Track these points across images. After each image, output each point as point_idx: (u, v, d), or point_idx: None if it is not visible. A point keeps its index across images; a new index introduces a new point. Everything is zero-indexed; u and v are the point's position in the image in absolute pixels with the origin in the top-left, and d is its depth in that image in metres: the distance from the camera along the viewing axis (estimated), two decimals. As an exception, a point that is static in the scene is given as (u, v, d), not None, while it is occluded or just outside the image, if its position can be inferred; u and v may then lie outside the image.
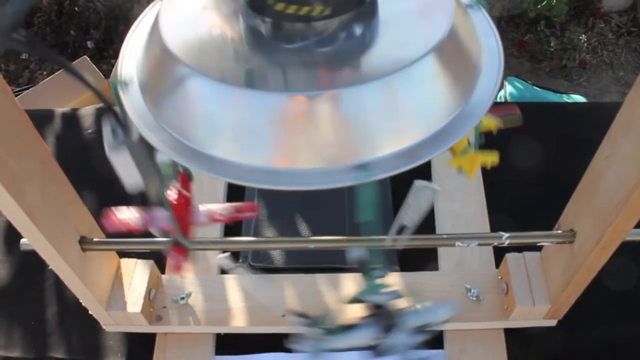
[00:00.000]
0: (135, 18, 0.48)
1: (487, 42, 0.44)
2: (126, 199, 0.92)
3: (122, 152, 0.42)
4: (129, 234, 0.62)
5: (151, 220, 0.57)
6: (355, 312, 0.54)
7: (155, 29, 0.42)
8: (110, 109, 0.41)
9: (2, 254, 0.88)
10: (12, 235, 0.85)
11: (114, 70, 0.46)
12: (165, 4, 0.43)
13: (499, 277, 0.76)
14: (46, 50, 0.36)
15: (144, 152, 0.43)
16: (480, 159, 0.50)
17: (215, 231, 0.87)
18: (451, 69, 0.40)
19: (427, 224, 0.86)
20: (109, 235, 0.68)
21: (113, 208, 0.59)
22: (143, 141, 0.41)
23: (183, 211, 0.58)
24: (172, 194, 0.56)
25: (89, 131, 1.03)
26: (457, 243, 0.61)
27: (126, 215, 0.58)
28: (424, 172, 0.92)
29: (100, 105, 1.35)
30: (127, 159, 0.42)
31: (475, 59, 0.43)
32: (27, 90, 1.64)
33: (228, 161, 0.38)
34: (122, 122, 0.41)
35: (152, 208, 0.56)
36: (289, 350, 0.77)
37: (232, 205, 0.60)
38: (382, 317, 0.53)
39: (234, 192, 0.93)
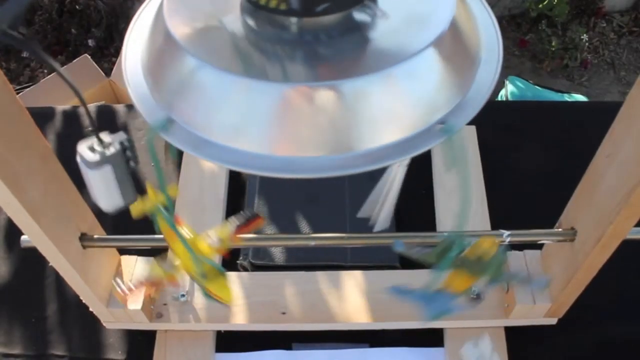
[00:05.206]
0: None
1: (487, 37, 0.45)
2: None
3: (101, 170, 0.41)
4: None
5: None
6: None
7: (159, 15, 0.42)
8: (90, 117, 0.40)
9: (3, 251, 0.88)
10: (13, 232, 0.85)
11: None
12: None
13: (500, 276, 0.76)
14: (39, 51, 0.36)
15: (125, 166, 0.41)
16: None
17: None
18: (449, 64, 0.40)
19: (428, 222, 0.87)
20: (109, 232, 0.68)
21: None
22: (123, 154, 0.41)
23: None
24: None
25: (90, 129, 1.02)
26: (458, 241, 0.61)
27: None
28: (425, 170, 0.92)
29: (101, 102, 1.35)
30: (107, 177, 0.41)
31: (474, 55, 0.43)
32: (28, 89, 1.64)
33: (230, 148, 0.39)
34: (101, 139, 0.41)
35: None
36: (289, 348, 0.77)
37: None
38: None
39: (235, 189, 0.92)
